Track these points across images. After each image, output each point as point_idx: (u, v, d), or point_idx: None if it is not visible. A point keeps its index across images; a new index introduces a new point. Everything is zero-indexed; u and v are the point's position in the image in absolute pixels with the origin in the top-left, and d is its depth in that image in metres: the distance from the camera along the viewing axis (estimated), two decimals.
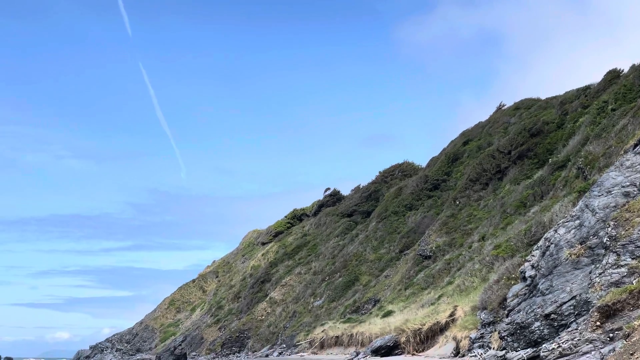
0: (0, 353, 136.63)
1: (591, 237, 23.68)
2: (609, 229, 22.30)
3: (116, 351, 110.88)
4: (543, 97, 74.87)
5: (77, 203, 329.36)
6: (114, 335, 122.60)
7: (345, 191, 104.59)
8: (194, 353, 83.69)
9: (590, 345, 19.69)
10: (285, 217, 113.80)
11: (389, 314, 48.03)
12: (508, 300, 27.21)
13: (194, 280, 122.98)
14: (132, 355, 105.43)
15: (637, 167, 24.24)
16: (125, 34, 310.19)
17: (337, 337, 53.51)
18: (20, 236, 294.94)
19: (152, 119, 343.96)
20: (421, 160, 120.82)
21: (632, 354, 16.05)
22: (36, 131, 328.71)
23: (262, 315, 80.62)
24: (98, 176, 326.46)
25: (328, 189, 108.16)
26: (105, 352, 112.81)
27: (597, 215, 23.97)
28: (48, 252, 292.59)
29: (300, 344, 61.15)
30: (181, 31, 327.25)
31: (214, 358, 75.69)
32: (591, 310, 20.46)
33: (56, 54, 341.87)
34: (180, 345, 64.13)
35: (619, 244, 21.38)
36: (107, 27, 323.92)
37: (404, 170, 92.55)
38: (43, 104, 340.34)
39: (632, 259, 20.85)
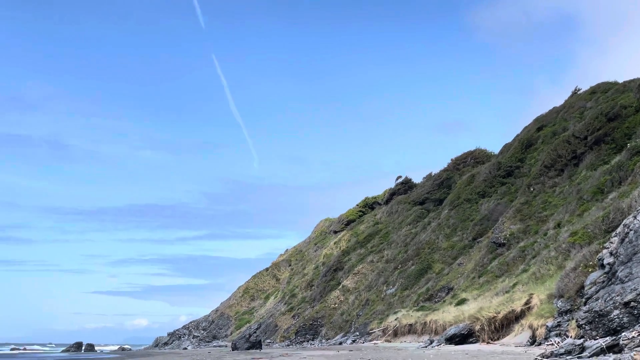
0: (83, 340, 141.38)
1: None
2: None
3: (193, 338, 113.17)
4: (621, 81, 72.75)
5: (153, 193, 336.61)
6: (190, 322, 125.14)
7: (417, 179, 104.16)
8: (268, 340, 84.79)
9: None
10: (357, 205, 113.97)
11: (462, 302, 47.71)
12: (586, 288, 26.72)
13: (267, 269, 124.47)
14: (208, 342, 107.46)
15: None
16: (198, 27, 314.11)
17: (410, 325, 53.43)
18: (99, 226, 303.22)
19: (225, 110, 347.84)
20: (494, 147, 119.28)
21: None
22: (113, 123, 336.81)
23: (335, 304, 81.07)
24: (173, 167, 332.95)
25: (399, 177, 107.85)
26: (182, 338, 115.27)
27: None
28: (126, 242, 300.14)
29: (374, 331, 61.29)
30: (253, 22, 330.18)
31: (288, 345, 76.52)
32: None
33: (131, 48, 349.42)
34: (255, 332, 64.95)
35: None
36: (180, 20, 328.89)
37: (476, 158, 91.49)
38: (120, 97, 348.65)
39: None
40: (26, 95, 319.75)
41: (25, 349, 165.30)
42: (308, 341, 76.76)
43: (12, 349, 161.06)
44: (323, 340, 74.01)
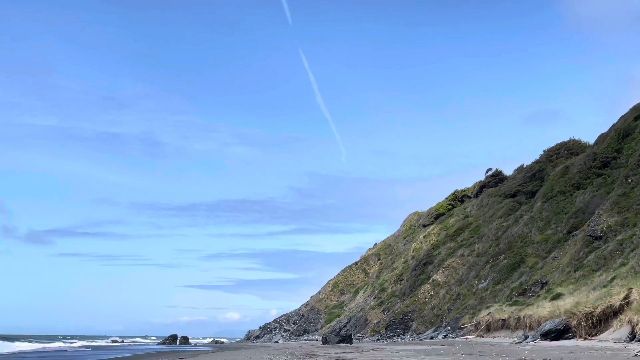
0: (177, 332, 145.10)
1: None
2: None
3: (284, 332, 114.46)
4: None
5: (243, 189, 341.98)
6: (281, 316, 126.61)
7: (508, 171, 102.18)
8: (358, 334, 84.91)
9: None
10: (446, 198, 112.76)
11: (558, 296, 46.51)
12: None
13: (356, 263, 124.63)
14: (299, 335, 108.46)
15: None
16: (285, 22, 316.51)
17: (503, 320, 52.50)
18: (191, 221, 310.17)
19: (313, 105, 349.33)
20: (588, 137, 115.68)
21: None
22: (204, 120, 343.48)
23: (426, 298, 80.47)
24: (262, 162, 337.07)
25: (489, 169, 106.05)
26: (273, 332, 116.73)
27: None
28: (217, 236, 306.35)
29: (466, 326, 60.55)
30: (340, 15, 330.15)
31: (378, 339, 76.45)
32: None
33: (219, 45, 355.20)
34: (345, 326, 65.20)
35: None
36: (267, 16, 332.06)
37: (570, 148, 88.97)
38: (209, 94, 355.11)
39: None
40: (119, 94, 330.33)
41: (123, 342, 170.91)
42: (398, 335, 76.49)
43: (112, 341, 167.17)
44: (414, 335, 73.60)
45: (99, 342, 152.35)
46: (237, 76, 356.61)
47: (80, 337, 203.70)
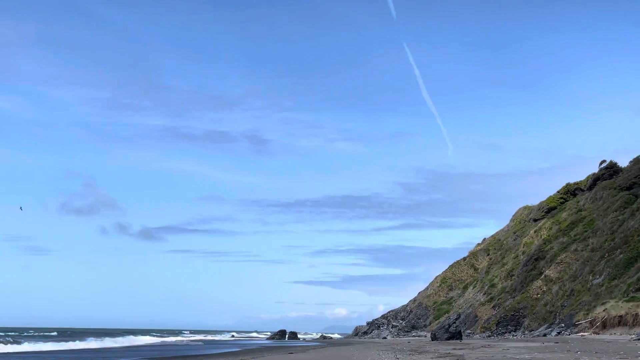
0: (286, 328, 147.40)
1: None
2: None
3: (392, 327, 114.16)
4: None
5: (348, 184, 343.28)
6: (388, 312, 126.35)
7: (623, 163, 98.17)
8: (468, 331, 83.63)
9: None
10: (558, 192, 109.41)
11: None
12: None
13: (464, 258, 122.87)
14: (407, 332, 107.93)
15: None
16: (389, 17, 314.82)
17: (620, 316, 50.56)
18: (298, 217, 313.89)
19: (418, 99, 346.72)
20: None
21: None
22: (309, 117, 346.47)
23: (538, 294, 78.38)
24: (367, 157, 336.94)
25: (603, 161, 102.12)
26: (381, 328, 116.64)
27: None
28: (323, 232, 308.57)
29: (580, 323, 58.61)
30: (444, 8, 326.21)
31: (489, 336, 75.08)
32: None
33: (323, 41, 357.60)
34: (454, 322, 64.26)
35: None
36: (372, 12, 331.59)
37: None
38: (314, 90, 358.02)
39: None
40: (227, 93, 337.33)
41: (233, 336, 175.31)
42: (510, 332, 74.89)
43: (231, 336, 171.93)
44: (526, 332, 71.87)
45: (218, 337, 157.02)
46: (341, 72, 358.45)
47: (198, 332, 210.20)
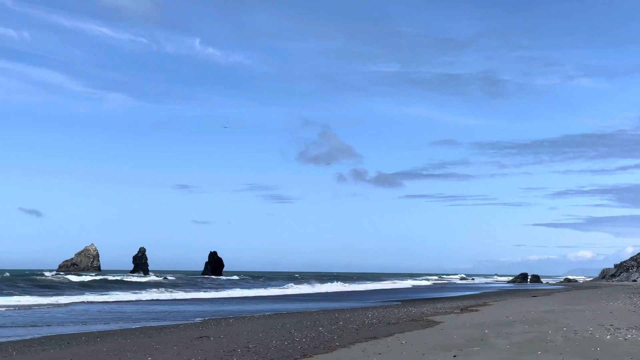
0: (527, 271, 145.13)
1: None
2: None
3: None
4: None
5: (588, 122, 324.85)
6: (638, 254, 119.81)
7: None
8: None
9: None
10: None
11: None
12: None
13: None
14: None
15: None
16: None
17: None
18: (535, 159, 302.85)
19: None
20: None
21: None
22: (544, 53, 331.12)
23: None
24: (610, 93, 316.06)
25: None
26: (630, 270, 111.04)
27: None
28: (563, 173, 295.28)
29: None
30: None
31: None
32: None
33: None
34: None
35: None
36: None
37: None
38: (550, 24, 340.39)
39: None
40: (457, 35, 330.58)
41: (473, 279, 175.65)
42: None
43: (460, 279, 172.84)
44: None
45: (457, 280, 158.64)
46: (580, 3, 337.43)
47: (432, 275, 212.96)
